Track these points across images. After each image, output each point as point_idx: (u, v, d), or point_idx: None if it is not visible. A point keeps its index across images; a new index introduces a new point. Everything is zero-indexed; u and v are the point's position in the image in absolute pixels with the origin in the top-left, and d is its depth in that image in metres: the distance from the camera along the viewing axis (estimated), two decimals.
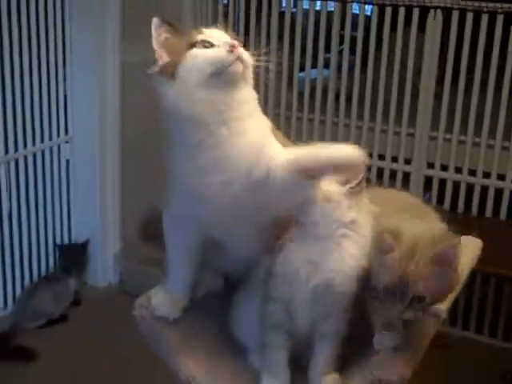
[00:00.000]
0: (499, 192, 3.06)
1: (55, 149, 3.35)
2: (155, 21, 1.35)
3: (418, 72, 3.13)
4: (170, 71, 1.29)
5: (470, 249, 1.75)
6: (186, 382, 1.39)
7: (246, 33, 3.47)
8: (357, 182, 1.29)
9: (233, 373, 1.37)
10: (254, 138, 1.29)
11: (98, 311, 3.29)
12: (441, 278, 1.25)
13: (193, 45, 1.29)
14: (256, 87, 3.61)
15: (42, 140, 3.25)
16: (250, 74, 1.34)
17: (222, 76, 1.26)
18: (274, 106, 3.45)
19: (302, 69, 3.41)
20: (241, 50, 1.28)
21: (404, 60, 3.12)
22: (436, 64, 3.07)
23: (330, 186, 1.28)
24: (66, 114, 3.36)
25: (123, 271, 3.50)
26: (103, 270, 3.52)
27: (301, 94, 3.39)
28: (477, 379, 2.81)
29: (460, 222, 3.02)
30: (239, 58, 1.27)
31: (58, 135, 3.34)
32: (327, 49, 3.30)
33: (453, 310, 3.16)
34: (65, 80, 3.32)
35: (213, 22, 3.54)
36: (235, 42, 1.29)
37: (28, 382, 2.75)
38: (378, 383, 1.29)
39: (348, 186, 1.29)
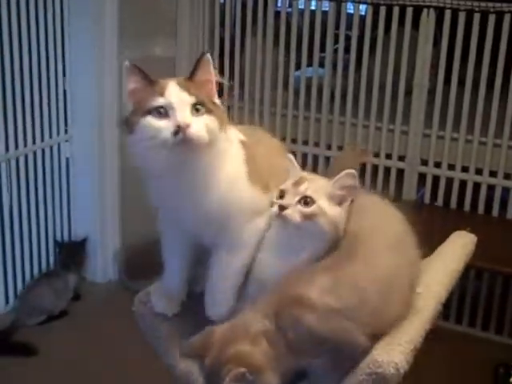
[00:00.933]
0: (491, 188, 3.11)
1: (55, 147, 3.39)
2: (127, 66, 1.34)
3: (411, 70, 3.17)
4: (129, 126, 1.32)
5: (464, 244, 1.79)
6: (183, 377, 1.44)
7: (243, 32, 3.51)
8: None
9: None
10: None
11: (98, 307, 3.33)
12: None
13: (148, 111, 1.30)
14: (252, 86, 3.68)
15: (43, 138, 3.29)
16: (206, 140, 1.31)
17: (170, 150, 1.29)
18: (270, 105, 3.50)
19: (297, 68, 3.46)
20: (190, 132, 1.27)
21: (398, 58, 3.17)
22: (429, 62, 3.12)
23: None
24: (65, 113, 3.40)
25: (122, 268, 3.53)
26: (103, 267, 3.57)
27: (296, 93, 3.43)
28: (470, 372, 2.86)
29: (453, 217, 3.11)
30: (185, 142, 1.27)
31: (58, 134, 3.38)
32: (322, 48, 3.35)
33: (446, 304, 3.21)
34: (64, 79, 3.35)
35: (210, 22, 3.60)
36: (183, 122, 1.27)
37: (29, 377, 2.78)
38: (373, 376, 1.30)
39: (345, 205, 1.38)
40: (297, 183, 1.37)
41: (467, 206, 3.16)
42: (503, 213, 3.11)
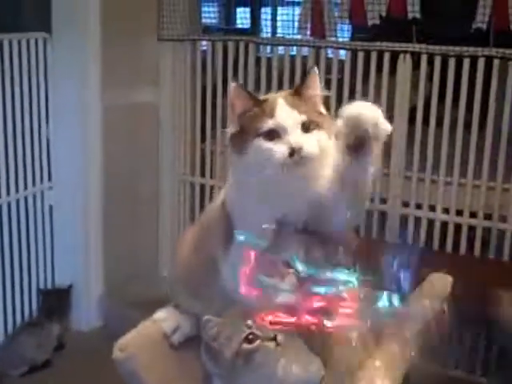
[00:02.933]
0: (472, 229, 3.13)
1: (38, 195, 3.40)
2: (234, 87, 1.35)
3: (391, 113, 3.22)
4: (237, 147, 1.34)
5: (440, 286, 1.81)
6: None
7: (224, 78, 3.56)
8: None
9: None
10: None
11: (82, 356, 3.29)
12: None
13: (259, 134, 1.30)
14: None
15: (26, 186, 3.30)
16: (317, 157, 1.33)
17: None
18: None
19: None
20: (304, 152, 1.29)
21: (377, 102, 3.21)
22: (407, 106, 3.17)
23: None
24: (48, 161, 3.42)
25: (107, 315, 3.51)
26: (87, 315, 3.54)
27: None
28: None
29: (435, 259, 3.12)
30: (300, 162, 1.29)
31: (42, 181, 3.40)
32: None
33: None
34: (47, 126, 3.38)
35: (191, 69, 3.66)
36: (297, 144, 1.28)
37: None
38: None
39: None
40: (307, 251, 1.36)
41: (449, 247, 3.17)
42: (485, 253, 3.13)
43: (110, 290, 3.56)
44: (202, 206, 3.71)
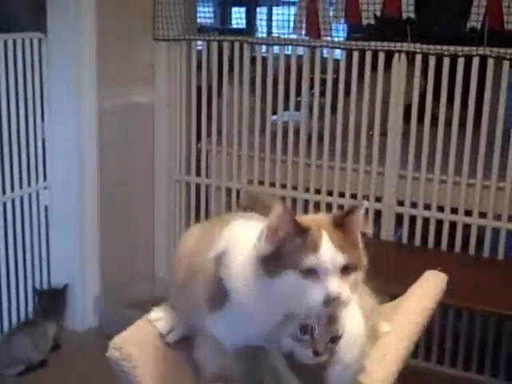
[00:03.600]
0: (467, 227, 3.14)
1: (34, 195, 3.39)
2: (279, 207, 1.22)
3: (385, 112, 3.23)
4: (267, 270, 1.22)
5: (435, 283, 1.82)
6: None
7: (220, 78, 3.57)
8: None
9: None
10: None
11: (78, 355, 3.29)
12: None
13: (297, 268, 1.19)
14: (230, 131, 3.73)
15: (21, 186, 3.30)
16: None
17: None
18: (248, 149, 3.54)
19: (274, 112, 3.51)
20: (339, 299, 1.19)
21: (372, 101, 3.23)
22: (402, 105, 3.18)
23: None
24: (44, 160, 3.42)
25: (102, 315, 3.52)
26: (83, 314, 3.54)
27: (273, 137, 3.48)
28: None
29: (430, 257, 3.14)
30: (332, 308, 1.21)
31: (37, 181, 3.39)
32: (298, 92, 3.41)
33: (426, 344, 3.22)
34: (43, 126, 3.38)
35: (187, 69, 3.68)
36: (336, 293, 1.19)
37: None
38: None
39: None
40: (330, 322, 1.26)
41: (444, 246, 3.18)
42: (480, 251, 3.14)
43: (105, 290, 3.56)
44: (197, 206, 3.73)
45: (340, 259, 1.20)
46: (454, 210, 3.15)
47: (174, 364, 1.48)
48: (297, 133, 3.42)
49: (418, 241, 3.24)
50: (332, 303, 1.18)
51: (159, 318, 1.58)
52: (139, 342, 1.47)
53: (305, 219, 1.25)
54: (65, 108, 3.35)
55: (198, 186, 3.73)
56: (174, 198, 3.79)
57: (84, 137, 3.37)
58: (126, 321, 1.61)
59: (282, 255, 1.21)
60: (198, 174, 3.72)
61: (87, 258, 3.50)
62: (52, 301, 3.38)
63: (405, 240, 3.28)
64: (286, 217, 1.21)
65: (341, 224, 1.24)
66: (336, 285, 1.18)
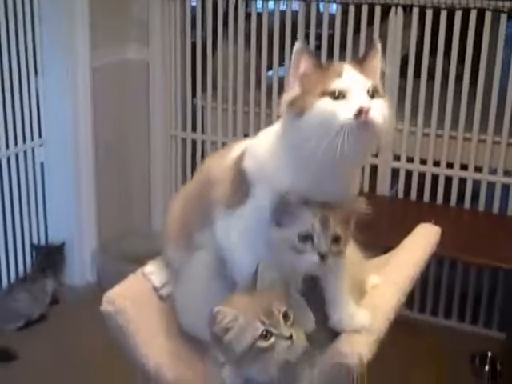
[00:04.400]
0: (463, 182, 3.15)
1: (29, 152, 3.39)
2: (298, 46, 1.27)
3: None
4: (298, 109, 1.25)
5: (428, 235, 1.83)
6: (152, 374, 1.46)
7: (214, 34, 3.53)
8: None
9: (197, 364, 1.43)
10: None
11: (77, 310, 3.32)
12: None
13: (324, 93, 1.23)
14: (225, 86, 3.69)
15: (16, 143, 3.29)
16: (381, 135, 1.26)
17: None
18: (243, 105, 3.52)
19: (269, 67, 3.48)
20: (371, 115, 1.21)
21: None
22: (399, 59, 3.16)
23: None
24: (38, 117, 3.40)
25: (100, 270, 3.55)
26: (81, 269, 3.57)
27: (269, 92, 3.45)
28: (448, 362, 2.90)
29: (426, 211, 3.15)
30: (365, 125, 1.21)
31: (32, 138, 3.38)
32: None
33: (421, 296, 3.26)
34: (37, 83, 3.35)
35: (181, 25, 3.63)
36: (365, 105, 1.21)
37: (9, 382, 2.77)
38: (338, 367, 1.34)
39: None
40: (324, 224, 1.29)
41: (440, 199, 3.20)
42: (475, 205, 3.15)
43: (103, 245, 3.59)
44: (193, 161, 3.72)
45: (364, 81, 1.24)
46: (450, 165, 3.16)
47: (167, 317, 1.50)
48: None
49: (413, 195, 3.25)
50: (363, 116, 1.20)
51: (153, 271, 1.60)
52: (133, 295, 1.49)
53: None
54: (58, 65, 3.31)
55: (193, 142, 3.72)
56: (169, 154, 3.78)
57: (78, 93, 3.34)
58: (123, 275, 1.63)
59: (308, 89, 1.25)
60: (194, 129, 3.71)
61: (84, 214, 3.51)
62: (50, 257, 3.41)
63: (401, 195, 3.29)
64: (307, 53, 1.26)
65: (361, 64, 1.29)
66: (364, 99, 1.22)
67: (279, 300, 1.28)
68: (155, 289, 1.56)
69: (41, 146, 3.44)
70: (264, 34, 3.39)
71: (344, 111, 1.20)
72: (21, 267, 3.45)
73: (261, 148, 1.36)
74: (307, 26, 3.32)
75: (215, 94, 3.60)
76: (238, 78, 3.51)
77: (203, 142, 3.69)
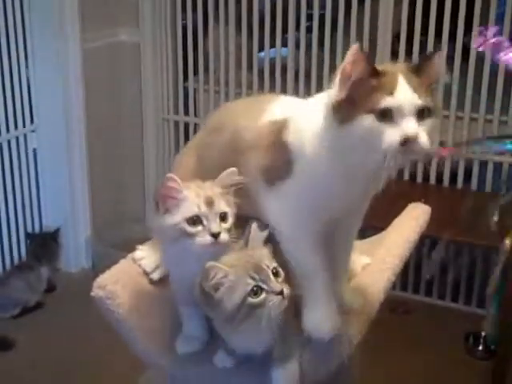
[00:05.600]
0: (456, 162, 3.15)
1: (21, 138, 3.38)
2: (355, 49, 1.18)
3: (374, 47, 3.19)
4: (341, 116, 1.19)
5: (418, 215, 1.83)
6: (144, 357, 1.47)
7: (205, 16, 3.50)
8: None
9: None
10: None
11: (73, 296, 3.32)
12: None
13: (372, 110, 1.17)
14: (217, 68, 3.66)
15: (8, 130, 3.28)
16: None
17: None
18: (235, 87, 3.51)
19: (260, 49, 3.47)
20: (417, 142, 1.16)
21: (360, 36, 3.18)
22: (390, 38, 3.14)
23: None
24: (30, 103, 3.39)
25: (95, 256, 3.55)
26: (76, 256, 3.57)
27: (261, 74, 3.44)
28: (442, 342, 2.92)
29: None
30: (411, 151, 1.16)
31: (24, 125, 3.37)
32: (285, 29, 3.35)
33: (416, 277, 3.27)
34: (27, 68, 3.33)
35: (171, 7, 3.59)
36: (412, 134, 1.15)
37: (6, 370, 2.78)
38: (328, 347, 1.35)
39: None
40: (208, 203, 1.31)
41: (419, 178, 3.22)
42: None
43: (97, 231, 3.59)
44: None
45: (416, 100, 1.17)
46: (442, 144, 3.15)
47: (158, 301, 1.50)
48: (284, 69, 3.39)
49: (406, 176, 3.25)
50: (409, 144, 1.15)
51: (143, 256, 1.60)
52: (123, 280, 1.49)
53: (381, 66, 1.23)
54: (49, 50, 3.30)
55: (186, 125, 3.71)
56: (162, 138, 3.77)
57: (69, 78, 3.34)
58: (118, 260, 1.63)
59: (356, 99, 1.18)
60: (187, 113, 3.70)
61: (77, 200, 3.51)
62: (44, 244, 3.40)
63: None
64: (362, 58, 1.18)
65: (418, 70, 1.22)
66: (412, 126, 1.16)
67: (269, 257, 1.29)
68: (146, 273, 1.56)
69: (33, 131, 3.43)
70: (255, 16, 3.37)
71: (390, 136, 1.15)
72: (16, 255, 3.45)
73: (307, 126, 1.29)
74: (298, 6, 3.30)
75: (207, 76, 3.59)
76: (230, 60, 3.50)
77: (196, 125, 3.68)
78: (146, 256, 1.60)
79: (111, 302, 1.42)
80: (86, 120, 3.44)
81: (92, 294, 1.47)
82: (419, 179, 3.23)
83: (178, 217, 1.30)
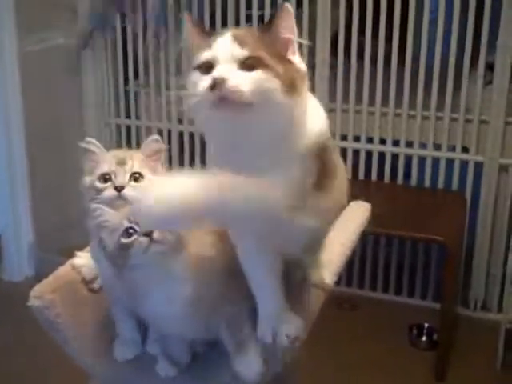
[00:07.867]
0: (395, 157, 3.21)
1: None
2: (186, 19, 1.22)
3: (313, 45, 3.21)
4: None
5: (359, 212, 1.85)
6: (84, 367, 1.45)
7: (144, 18, 3.48)
8: None
9: None
10: None
11: (16, 306, 3.24)
12: None
13: (197, 66, 1.17)
14: (157, 73, 3.57)
15: None
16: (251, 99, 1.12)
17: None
18: (177, 89, 3.49)
19: None
20: (228, 86, 1.10)
21: (299, 33, 3.20)
22: (329, 37, 3.17)
23: None
24: None
25: (38, 264, 3.49)
26: (18, 264, 3.51)
27: None
28: (386, 334, 2.99)
29: (361, 187, 3.19)
30: (222, 96, 1.11)
31: None
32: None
33: (360, 272, 3.32)
34: None
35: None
36: (219, 76, 1.11)
37: None
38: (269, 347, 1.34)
39: None
40: (120, 163, 1.38)
41: (374, 176, 3.26)
42: (407, 181, 3.23)
43: (40, 238, 3.53)
44: (128, 148, 3.67)
45: (236, 50, 1.14)
46: (383, 141, 3.21)
47: (98, 309, 1.48)
48: None
49: (348, 172, 3.28)
50: (218, 87, 1.10)
51: (83, 264, 1.57)
52: (62, 288, 1.46)
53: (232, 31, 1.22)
54: None
55: (128, 128, 3.68)
56: (104, 142, 3.71)
57: (7, 82, 3.28)
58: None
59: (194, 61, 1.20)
60: (128, 116, 3.68)
61: (19, 207, 3.45)
62: None
63: None
64: (191, 24, 1.23)
65: (265, 31, 1.19)
66: (223, 70, 1.12)
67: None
68: (85, 281, 1.53)
69: None
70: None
71: (203, 82, 1.13)
72: None
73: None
74: (237, 8, 3.31)
75: (147, 79, 3.56)
76: (170, 62, 3.48)
77: (138, 128, 3.66)
78: (85, 264, 1.57)
79: (49, 312, 1.39)
80: (26, 125, 3.38)
81: (29, 303, 1.43)
82: (361, 176, 3.28)
83: (93, 176, 1.39)
